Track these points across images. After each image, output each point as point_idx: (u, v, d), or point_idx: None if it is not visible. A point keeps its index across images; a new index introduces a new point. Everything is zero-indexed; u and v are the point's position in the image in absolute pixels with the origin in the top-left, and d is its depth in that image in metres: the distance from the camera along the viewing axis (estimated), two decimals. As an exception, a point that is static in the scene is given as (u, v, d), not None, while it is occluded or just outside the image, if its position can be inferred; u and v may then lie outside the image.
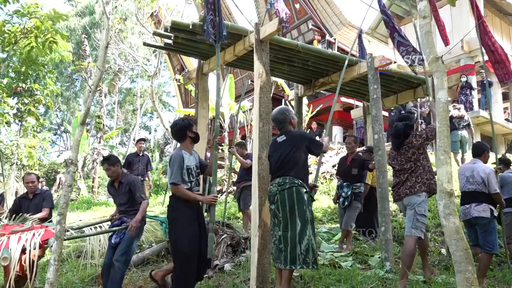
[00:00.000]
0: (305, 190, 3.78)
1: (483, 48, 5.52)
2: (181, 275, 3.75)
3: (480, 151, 4.75)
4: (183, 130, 3.98)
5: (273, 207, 3.82)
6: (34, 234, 4.27)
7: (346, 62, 5.43)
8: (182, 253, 3.76)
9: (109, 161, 4.60)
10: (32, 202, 5.42)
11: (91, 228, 4.96)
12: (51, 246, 3.98)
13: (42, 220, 5.01)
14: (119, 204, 4.69)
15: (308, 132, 12.99)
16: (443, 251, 5.52)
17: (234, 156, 7.10)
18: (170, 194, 3.97)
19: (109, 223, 4.88)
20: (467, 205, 4.51)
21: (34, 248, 4.10)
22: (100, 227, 4.92)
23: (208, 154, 7.96)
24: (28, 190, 5.48)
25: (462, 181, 4.64)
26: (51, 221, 5.03)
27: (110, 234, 4.56)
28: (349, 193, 5.91)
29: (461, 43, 11.99)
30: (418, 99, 10.11)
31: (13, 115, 9.18)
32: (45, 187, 17.92)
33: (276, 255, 3.73)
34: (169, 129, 4.07)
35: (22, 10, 6.90)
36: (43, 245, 4.30)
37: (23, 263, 4.04)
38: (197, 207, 4.03)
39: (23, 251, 4.07)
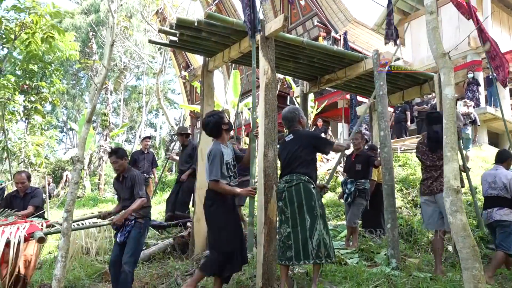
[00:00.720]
0: (312, 185, 3.82)
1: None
2: (214, 267, 3.69)
3: (503, 158, 4.92)
4: (217, 126, 3.88)
5: (281, 204, 3.88)
6: (18, 228, 4.26)
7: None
8: (223, 251, 3.68)
9: (117, 154, 4.56)
10: (23, 200, 5.39)
11: (82, 223, 5.01)
12: (36, 238, 4.10)
13: (26, 217, 4.98)
14: (122, 200, 4.65)
15: (313, 129, 12.97)
16: (450, 248, 5.50)
17: None
18: (207, 188, 3.90)
19: (96, 220, 4.88)
20: (489, 209, 4.66)
21: (19, 242, 4.09)
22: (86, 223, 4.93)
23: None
24: (18, 189, 5.46)
25: (485, 186, 4.81)
26: (36, 217, 5.01)
27: (116, 231, 4.53)
28: (353, 189, 5.93)
29: (467, 39, 11.90)
30: (424, 96, 10.08)
31: (21, 113, 9.24)
32: (52, 185, 18.09)
33: (282, 252, 3.75)
34: (203, 127, 3.87)
35: (19, 5, 6.92)
36: (28, 239, 4.28)
37: (9, 257, 4.04)
38: (233, 199, 3.97)
39: (7, 244, 4.07)
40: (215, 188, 3.72)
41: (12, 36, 6.92)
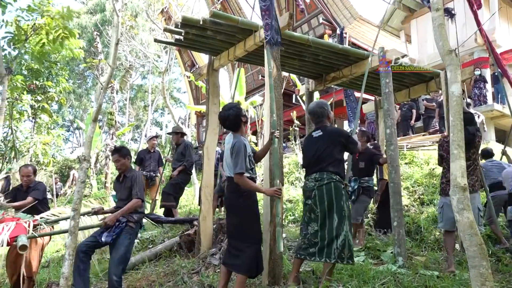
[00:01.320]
0: (342, 185, 3.84)
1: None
2: (254, 260, 3.62)
3: None
4: (237, 119, 3.80)
5: (310, 202, 3.86)
6: (3, 228, 4.07)
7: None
8: (257, 238, 3.68)
9: (120, 152, 4.49)
10: (25, 194, 5.30)
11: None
12: (18, 246, 3.86)
13: (20, 208, 4.93)
14: (119, 200, 4.53)
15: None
16: (457, 246, 5.47)
17: None
18: (228, 182, 3.85)
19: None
20: None
21: (2, 245, 3.95)
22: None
23: (219, 149, 7.99)
24: (23, 183, 5.41)
25: (510, 183, 4.88)
26: (35, 211, 4.93)
27: (98, 229, 4.35)
28: (356, 187, 5.94)
29: (474, 35, 11.80)
30: (431, 93, 10.03)
31: (28, 113, 9.32)
32: (59, 184, 18.20)
33: (304, 248, 3.80)
34: (220, 119, 3.74)
35: (32, 5, 6.98)
36: (11, 243, 4.08)
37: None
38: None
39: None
40: (239, 182, 3.64)
41: (23, 37, 6.97)
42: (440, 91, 7.88)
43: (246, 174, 3.65)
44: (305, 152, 4.12)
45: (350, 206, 5.81)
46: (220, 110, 3.96)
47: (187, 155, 7.48)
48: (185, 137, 7.93)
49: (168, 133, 8.00)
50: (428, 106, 11.98)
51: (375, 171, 6.41)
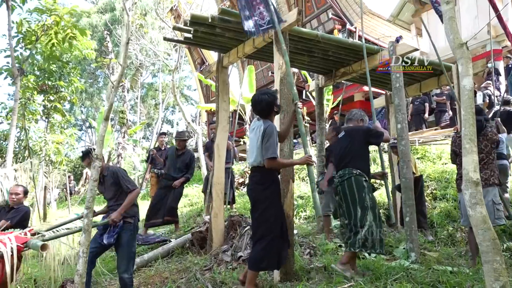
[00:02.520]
0: (364, 178, 4.00)
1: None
2: (264, 254, 3.62)
3: None
4: (270, 106, 3.80)
5: (337, 198, 4.12)
6: (3, 240, 3.75)
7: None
8: (273, 231, 3.65)
9: (89, 155, 4.39)
10: (7, 215, 4.96)
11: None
12: (40, 245, 3.71)
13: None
14: (107, 200, 4.47)
15: (330, 123, 12.89)
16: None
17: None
18: (252, 172, 3.85)
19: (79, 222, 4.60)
20: None
21: (12, 253, 3.65)
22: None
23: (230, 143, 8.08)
24: (10, 202, 5.11)
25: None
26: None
27: (98, 232, 4.31)
28: (320, 179, 6.11)
29: (487, 27, 11.61)
30: (442, 87, 9.91)
31: (41, 112, 9.44)
32: (72, 182, 18.40)
33: (341, 238, 4.17)
34: (253, 103, 3.87)
35: (41, 7, 7.06)
36: (21, 250, 3.80)
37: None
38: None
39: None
40: (273, 166, 3.64)
41: (34, 38, 7.06)
42: (451, 85, 7.79)
43: None
44: (333, 155, 4.40)
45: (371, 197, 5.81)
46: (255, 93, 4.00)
47: (192, 167, 7.35)
48: (195, 135, 7.92)
49: (176, 138, 7.55)
50: (438, 101, 11.85)
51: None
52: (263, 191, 3.69)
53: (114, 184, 4.30)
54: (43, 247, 3.76)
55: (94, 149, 4.26)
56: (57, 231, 4.29)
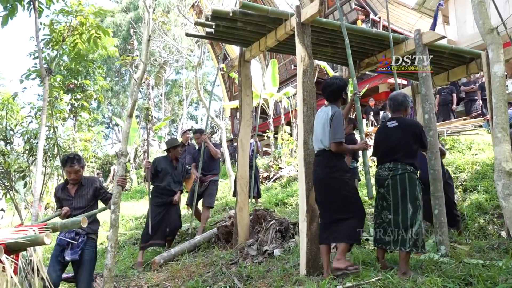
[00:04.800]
0: (416, 176, 3.88)
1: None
2: (354, 229, 3.74)
3: None
4: (340, 90, 3.95)
5: (383, 191, 3.92)
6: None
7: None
8: (359, 208, 3.81)
9: (80, 162, 4.16)
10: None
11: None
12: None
13: None
14: (74, 208, 4.10)
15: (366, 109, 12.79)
16: (503, 233, 5.25)
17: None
18: (319, 156, 3.94)
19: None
20: None
21: None
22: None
23: (253, 141, 7.96)
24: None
25: None
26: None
27: (57, 248, 4.03)
28: None
29: (518, 12, 11.17)
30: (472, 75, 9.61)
31: (68, 111, 9.67)
32: (101, 178, 18.84)
33: (380, 237, 3.88)
34: (324, 86, 3.98)
35: (67, 8, 7.20)
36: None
37: None
38: None
39: None
40: (338, 149, 3.77)
41: (61, 39, 7.22)
42: (481, 73, 7.55)
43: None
44: (378, 142, 4.16)
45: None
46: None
47: (184, 175, 6.56)
48: (219, 131, 7.73)
49: (169, 147, 6.35)
50: (468, 90, 11.50)
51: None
52: (333, 173, 3.82)
53: (93, 194, 4.19)
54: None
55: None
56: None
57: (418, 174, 3.94)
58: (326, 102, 4.02)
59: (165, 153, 6.45)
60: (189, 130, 9.94)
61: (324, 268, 3.81)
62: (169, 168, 6.18)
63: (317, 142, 3.93)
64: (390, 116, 4.27)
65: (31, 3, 6.42)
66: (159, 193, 6.08)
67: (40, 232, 2.45)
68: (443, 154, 5.12)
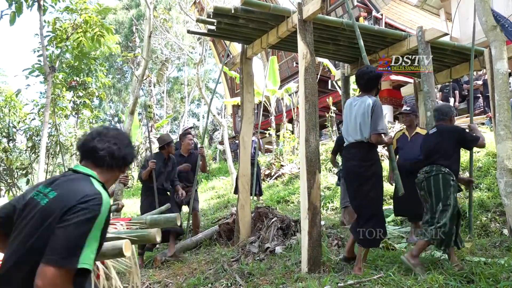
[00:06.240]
0: (452, 178, 3.87)
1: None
2: (367, 230, 3.76)
3: None
4: (376, 80, 3.96)
5: (423, 193, 4.02)
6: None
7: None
8: (378, 211, 3.83)
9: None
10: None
11: None
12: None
13: None
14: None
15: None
16: (505, 231, 5.23)
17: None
18: (353, 149, 3.90)
19: None
20: None
21: None
22: None
23: (255, 138, 7.94)
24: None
25: None
26: None
27: None
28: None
29: (521, 9, 11.12)
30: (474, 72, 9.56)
31: (70, 108, 9.68)
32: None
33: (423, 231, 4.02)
34: (360, 74, 3.99)
35: (71, 6, 7.21)
36: None
37: None
38: None
39: None
40: (378, 141, 3.76)
41: (65, 36, 7.23)
42: (483, 70, 7.52)
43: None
44: (422, 149, 4.26)
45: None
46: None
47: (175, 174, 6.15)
48: (221, 128, 7.58)
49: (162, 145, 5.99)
50: (468, 88, 11.46)
51: None
52: (369, 167, 3.80)
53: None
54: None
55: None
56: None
57: (453, 176, 3.93)
58: (353, 94, 4.07)
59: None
60: (191, 128, 9.77)
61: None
62: (162, 167, 5.82)
63: (353, 134, 3.86)
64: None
65: (36, 0, 6.43)
66: (152, 192, 5.62)
67: (127, 228, 2.39)
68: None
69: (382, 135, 3.75)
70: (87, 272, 1.49)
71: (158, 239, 2.18)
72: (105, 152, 1.76)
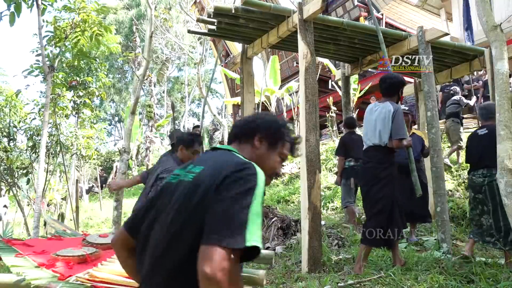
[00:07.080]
0: None
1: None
2: (377, 230, 3.78)
3: None
4: (399, 86, 3.99)
5: (481, 197, 4.07)
6: None
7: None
8: (385, 211, 3.82)
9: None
10: None
11: None
12: None
13: None
14: None
15: (357, 112, 12.71)
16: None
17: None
18: (372, 151, 3.95)
19: None
20: None
21: None
22: None
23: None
24: None
25: None
26: None
27: None
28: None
29: (522, 9, 11.10)
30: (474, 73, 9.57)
31: (71, 108, 9.66)
32: (104, 175, 18.88)
33: (480, 234, 4.12)
34: (383, 78, 4.06)
35: (69, 5, 7.20)
36: None
37: None
38: None
39: None
40: (399, 146, 3.83)
41: (63, 36, 7.21)
42: (483, 70, 7.52)
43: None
44: (470, 149, 4.30)
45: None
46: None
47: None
48: (221, 128, 7.49)
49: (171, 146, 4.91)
50: (469, 88, 11.46)
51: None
52: (384, 169, 3.86)
53: None
54: None
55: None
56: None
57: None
58: (373, 98, 4.10)
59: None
60: (197, 126, 9.66)
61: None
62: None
63: (372, 138, 3.93)
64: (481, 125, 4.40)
65: (34, 0, 6.42)
66: None
67: None
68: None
69: (403, 140, 3.83)
70: (256, 252, 1.24)
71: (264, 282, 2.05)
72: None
